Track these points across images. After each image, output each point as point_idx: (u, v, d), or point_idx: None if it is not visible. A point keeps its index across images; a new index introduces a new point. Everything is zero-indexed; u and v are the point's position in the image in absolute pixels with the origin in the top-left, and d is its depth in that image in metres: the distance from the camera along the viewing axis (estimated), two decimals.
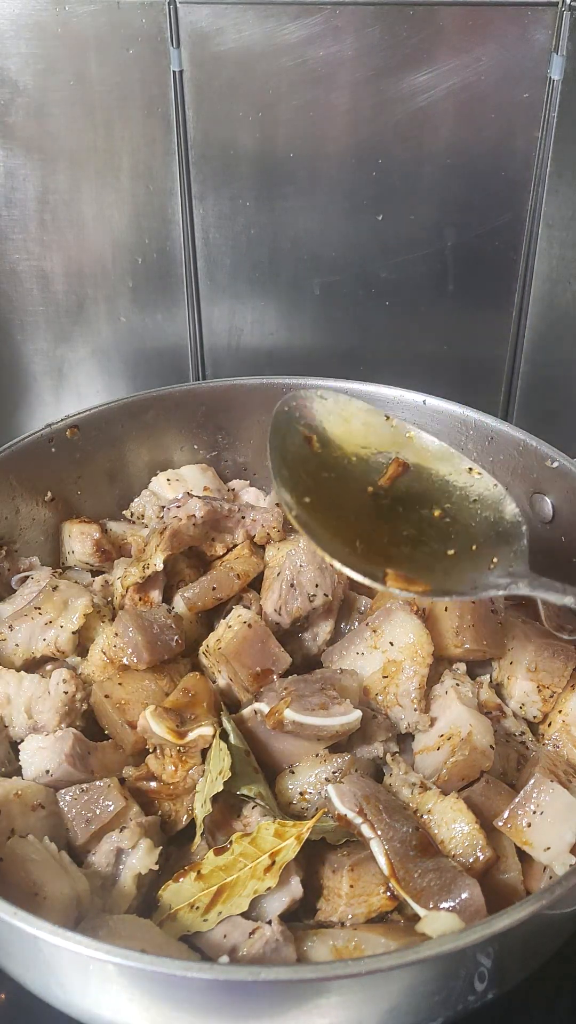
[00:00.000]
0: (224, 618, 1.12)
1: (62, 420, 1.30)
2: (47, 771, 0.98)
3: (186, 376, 1.66)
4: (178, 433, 1.40)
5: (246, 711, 1.02)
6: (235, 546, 1.21)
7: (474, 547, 0.84)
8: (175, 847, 0.98)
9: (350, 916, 0.90)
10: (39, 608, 1.12)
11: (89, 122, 1.43)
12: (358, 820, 0.92)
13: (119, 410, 1.35)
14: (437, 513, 0.86)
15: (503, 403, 1.64)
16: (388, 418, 0.94)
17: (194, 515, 1.17)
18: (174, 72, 1.38)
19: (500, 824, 0.94)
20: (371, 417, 0.95)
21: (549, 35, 1.30)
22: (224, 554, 1.21)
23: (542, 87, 1.34)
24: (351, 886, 0.91)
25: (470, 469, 0.90)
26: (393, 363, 1.60)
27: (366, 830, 0.91)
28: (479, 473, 0.89)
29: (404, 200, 1.46)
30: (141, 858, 0.92)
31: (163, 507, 1.23)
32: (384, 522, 0.85)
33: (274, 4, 1.32)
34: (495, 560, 0.82)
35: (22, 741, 1.03)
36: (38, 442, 1.27)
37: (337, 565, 0.85)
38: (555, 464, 1.21)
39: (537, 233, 1.46)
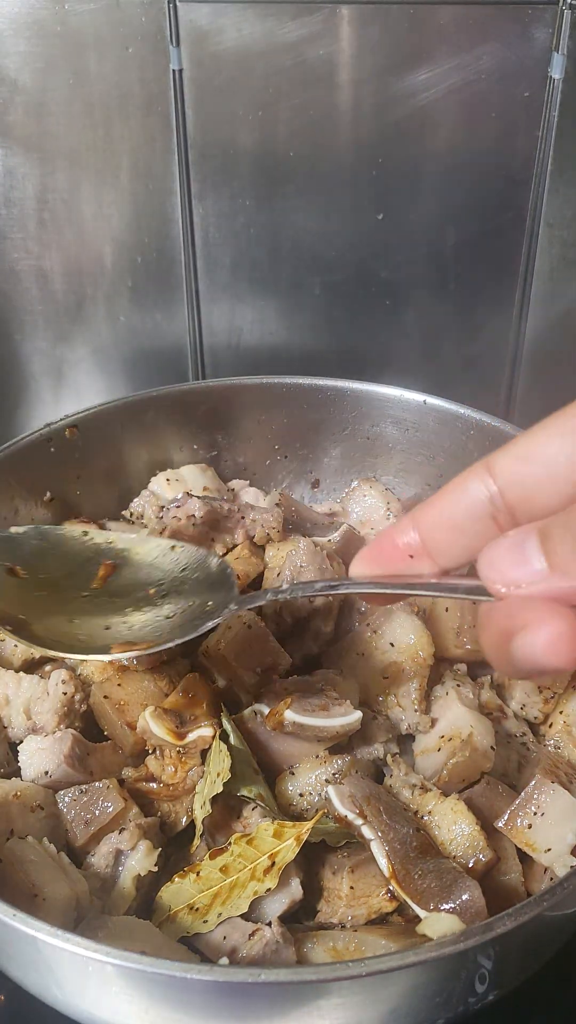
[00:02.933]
0: None
1: (61, 420, 1.30)
2: (46, 772, 0.98)
3: (186, 376, 1.66)
4: (177, 433, 1.40)
5: (246, 712, 1.02)
6: (235, 546, 1.21)
7: (191, 603, 0.90)
8: (175, 848, 0.98)
9: (350, 918, 0.90)
10: None
11: (88, 121, 1.42)
12: (358, 821, 0.92)
13: (118, 410, 1.35)
14: (152, 591, 0.93)
15: (503, 403, 1.64)
16: (86, 534, 0.99)
17: (193, 515, 1.17)
18: (174, 71, 1.37)
19: (501, 825, 0.93)
20: (70, 541, 0.99)
21: (549, 34, 1.30)
22: (224, 554, 1.21)
23: (543, 86, 1.34)
24: (351, 888, 0.91)
25: (172, 547, 0.97)
26: (393, 363, 1.59)
27: (366, 831, 0.91)
28: (181, 546, 0.96)
29: (405, 199, 1.46)
30: (140, 859, 0.92)
31: (163, 507, 1.23)
32: (102, 614, 0.91)
33: (274, 3, 1.31)
34: (210, 603, 0.88)
35: (21, 742, 1.02)
36: (37, 442, 1.27)
37: (64, 656, 0.91)
38: None
39: (538, 232, 1.46)
